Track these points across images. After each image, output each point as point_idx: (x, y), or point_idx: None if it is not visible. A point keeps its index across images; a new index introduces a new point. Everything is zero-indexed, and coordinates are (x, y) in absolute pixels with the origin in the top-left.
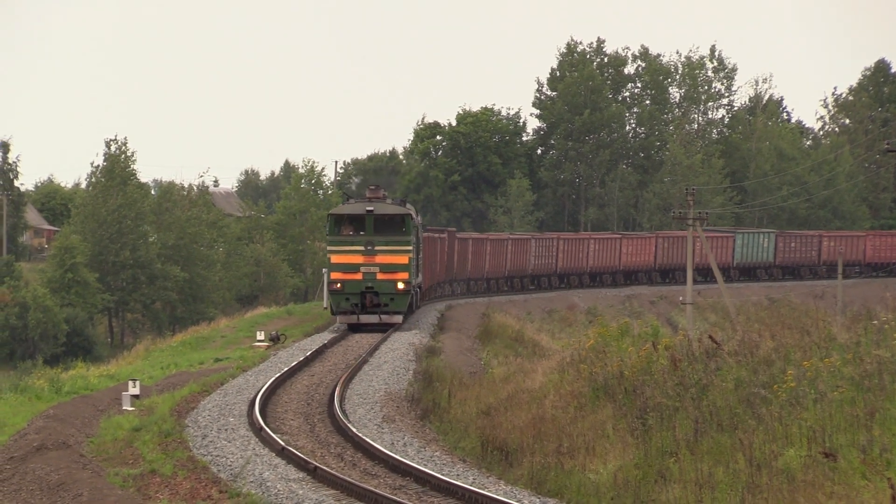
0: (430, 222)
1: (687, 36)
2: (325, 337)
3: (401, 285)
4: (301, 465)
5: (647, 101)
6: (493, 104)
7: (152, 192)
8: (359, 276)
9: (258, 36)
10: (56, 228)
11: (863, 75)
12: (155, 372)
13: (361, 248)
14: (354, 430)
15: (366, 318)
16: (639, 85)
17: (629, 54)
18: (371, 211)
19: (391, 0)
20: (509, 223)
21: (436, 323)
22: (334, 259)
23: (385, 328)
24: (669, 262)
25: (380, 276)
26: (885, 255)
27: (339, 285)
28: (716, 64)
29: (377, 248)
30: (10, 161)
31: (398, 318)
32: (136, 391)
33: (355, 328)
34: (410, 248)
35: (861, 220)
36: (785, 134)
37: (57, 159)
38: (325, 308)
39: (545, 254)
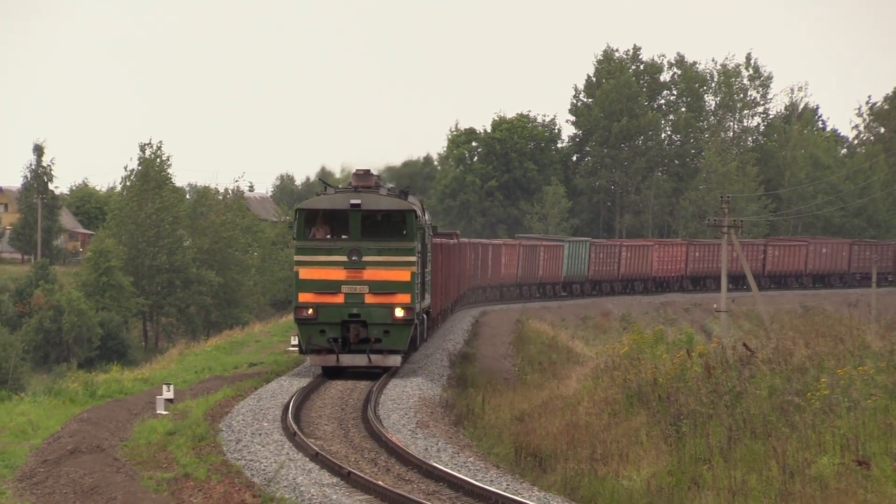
0: (465, 229)
1: (723, 44)
2: None
3: (400, 312)
4: (335, 469)
5: (683, 109)
6: (529, 111)
7: (187, 196)
8: (339, 299)
9: (293, 41)
10: (90, 232)
11: None
12: (189, 376)
13: (344, 258)
14: (388, 435)
15: (348, 360)
16: (674, 92)
17: (665, 62)
18: (358, 205)
19: (426, 6)
20: (545, 229)
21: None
22: (304, 274)
23: (376, 373)
24: (527, 275)
25: (370, 300)
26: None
27: (310, 311)
28: (751, 72)
29: (367, 258)
30: (45, 164)
31: (395, 360)
32: (170, 395)
33: (332, 373)
34: (414, 258)
35: None
36: (820, 142)
37: (91, 163)
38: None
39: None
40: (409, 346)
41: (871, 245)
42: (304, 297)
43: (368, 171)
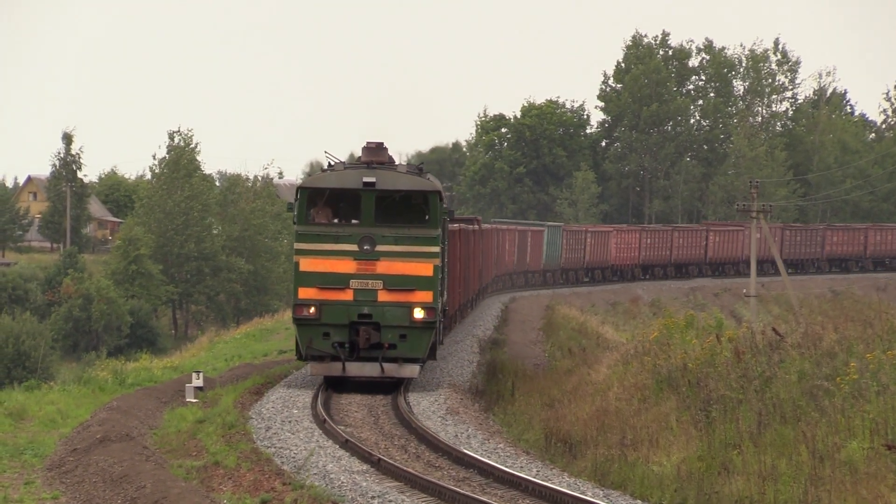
0: (496, 215)
1: (751, 29)
2: None
3: (420, 313)
4: (364, 457)
5: (712, 94)
6: (558, 97)
7: (217, 183)
8: (347, 297)
9: (321, 27)
10: (119, 220)
11: None
12: (219, 364)
13: (353, 247)
14: (418, 422)
15: (357, 369)
16: (703, 78)
17: (693, 47)
18: (372, 184)
19: None
20: (574, 215)
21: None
22: (305, 265)
23: (391, 385)
24: (520, 263)
25: (384, 297)
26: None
27: (312, 310)
28: (779, 57)
29: (381, 247)
30: (74, 152)
31: (412, 370)
32: (199, 383)
33: (337, 384)
34: (437, 248)
35: None
36: (848, 127)
37: (120, 151)
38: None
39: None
40: (429, 352)
41: (802, 231)
42: (304, 293)
43: (381, 143)
